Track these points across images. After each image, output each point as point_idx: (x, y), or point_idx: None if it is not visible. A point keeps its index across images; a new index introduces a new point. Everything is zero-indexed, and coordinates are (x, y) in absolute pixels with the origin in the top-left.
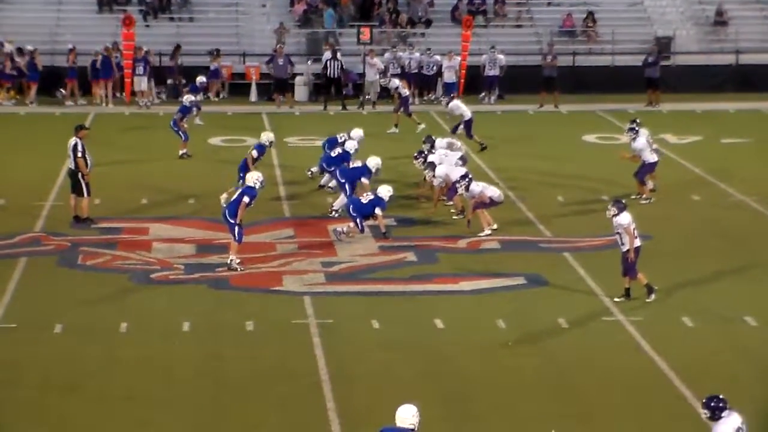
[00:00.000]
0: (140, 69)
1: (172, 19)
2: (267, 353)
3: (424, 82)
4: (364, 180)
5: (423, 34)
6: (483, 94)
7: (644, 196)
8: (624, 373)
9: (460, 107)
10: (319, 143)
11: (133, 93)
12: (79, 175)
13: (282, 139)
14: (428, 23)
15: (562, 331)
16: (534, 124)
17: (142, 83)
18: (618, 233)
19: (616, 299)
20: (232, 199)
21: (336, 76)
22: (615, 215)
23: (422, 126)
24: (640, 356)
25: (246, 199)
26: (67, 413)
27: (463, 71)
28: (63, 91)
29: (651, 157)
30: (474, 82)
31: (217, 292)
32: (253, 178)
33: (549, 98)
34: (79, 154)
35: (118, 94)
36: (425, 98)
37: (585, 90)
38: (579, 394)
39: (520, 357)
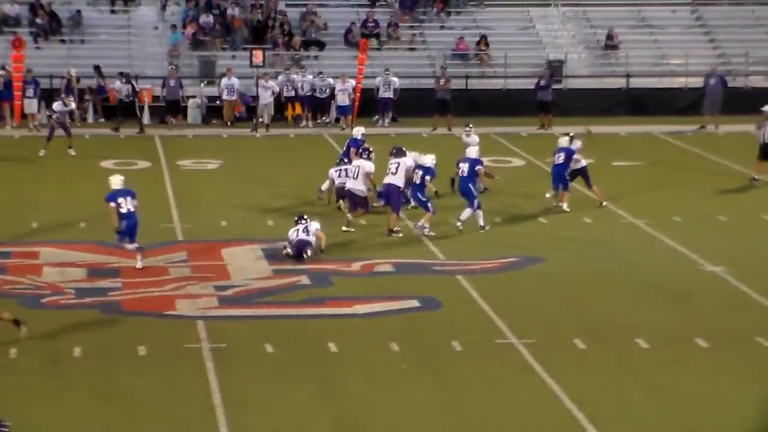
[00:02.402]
0: (30, 91)
1: (63, 41)
2: (160, 378)
3: (317, 105)
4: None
5: (317, 57)
6: (377, 116)
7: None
8: (517, 395)
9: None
10: (212, 167)
11: (24, 116)
12: None
13: (174, 162)
14: (321, 46)
15: (455, 353)
16: (428, 146)
17: (32, 105)
18: None
19: None
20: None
21: (130, 99)
22: None
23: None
24: (532, 378)
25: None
26: None
27: (358, 94)
28: None
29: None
30: (368, 105)
31: (109, 316)
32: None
33: (442, 121)
34: None
35: (7, 117)
36: (319, 121)
37: (478, 113)
38: (472, 417)
39: (414, 380)
